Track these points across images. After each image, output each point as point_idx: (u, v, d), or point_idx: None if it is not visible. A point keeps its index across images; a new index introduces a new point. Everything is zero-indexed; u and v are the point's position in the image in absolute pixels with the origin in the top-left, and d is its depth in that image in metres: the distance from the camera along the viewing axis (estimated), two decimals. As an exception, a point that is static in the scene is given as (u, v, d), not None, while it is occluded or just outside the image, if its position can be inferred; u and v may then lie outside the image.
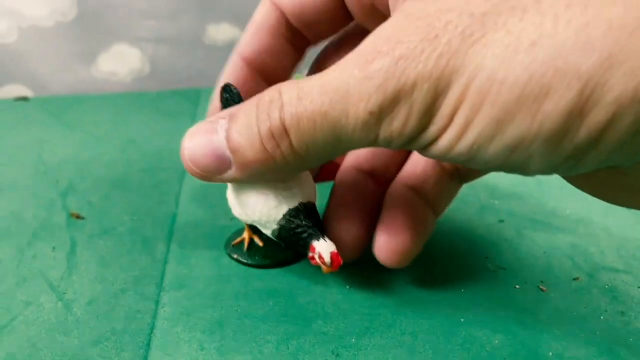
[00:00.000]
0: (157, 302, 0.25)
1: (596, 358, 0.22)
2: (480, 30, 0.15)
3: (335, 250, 0.22)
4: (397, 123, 0.17)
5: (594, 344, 0.23)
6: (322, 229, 0.23)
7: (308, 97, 0.18)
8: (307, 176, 0.25)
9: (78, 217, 0.32)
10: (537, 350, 0.22)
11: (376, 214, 0.25)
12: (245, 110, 0.21)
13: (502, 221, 0.32)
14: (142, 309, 0.25)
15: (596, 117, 0.14)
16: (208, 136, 0.21)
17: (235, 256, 0.28)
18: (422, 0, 0.17)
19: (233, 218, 0.32)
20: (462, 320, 0.24)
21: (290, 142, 0.19)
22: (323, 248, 0.22)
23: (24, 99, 0.55)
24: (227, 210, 0.33)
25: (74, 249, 0.29)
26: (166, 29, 0.55)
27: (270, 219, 0.24)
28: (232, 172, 0.21)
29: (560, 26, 0.14)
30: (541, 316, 0.24)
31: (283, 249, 0.28)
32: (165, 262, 0.28)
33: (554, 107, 0.14)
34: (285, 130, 0.19)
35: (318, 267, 0.23)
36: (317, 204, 0.24)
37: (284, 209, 0.23)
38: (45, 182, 0.37)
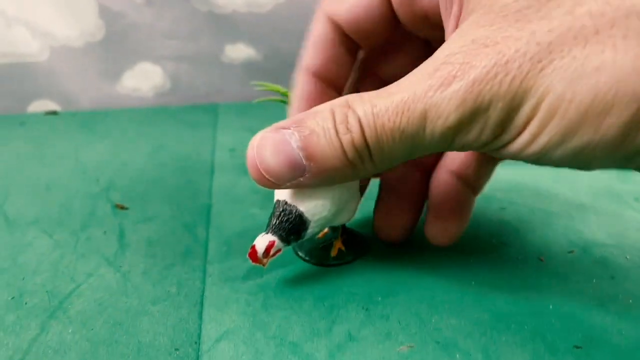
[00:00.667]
0: (204, 272, 0.29)
1: (589, 311, 0.25)
2: (548, 57, 0.17)
3: (254, 245, 0.25)
4: (473, 134, 0.20)
5: (587, 300, 0.26)
6: (280, 230, 0.25)
7: (385, 115, 0.20)
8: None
9: (122, 207, 0.36)
10: (538, 305, 0.26)
11: (422, 199, 0.30)
12: (319, 120, 0.22)
13: (503, 208, 0.36)
14: (192, 277, 0.28)
15: None
16: (280, 145, 0.22)
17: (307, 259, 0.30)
18: (483, 27, 0.19)
19: (262, 208, 0.36)
20: (472, 283, 0.28)
21: (371, 154, 0.21)
22: (257, 240, 0.25)
23: (54, 113, 0.59)
24: (255, 200, 0.37)
25: (123, 233, 0.33)
26: (186, 48, 0.60)
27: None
28: (304, 179, 0.23)
29: (619, 55, 0.17)
30: (541, 280, 0.28)
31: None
32: (207, 241, 0.32)
33: (615, 122, 0.17)
34: (366, 144, 0.21)
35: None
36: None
37: (276, 197, 0.26)
38: (87, 180, 0.40)
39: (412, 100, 0.20)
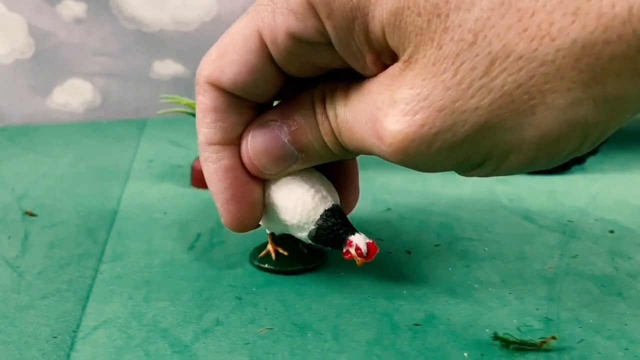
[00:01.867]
0: (96, 270, 0.31)
1: (438, 294, 0.29)
2: None
3: (370, 240, 0.26)
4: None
5: (439, 286, 0.29)
6: (352, 225, 0.26)
7: (344, 128, 0.23)
8: (330, 183, 0.28)
9: (31, 214, 0.38)
10: (394, 291, 0.29)
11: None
12: (303, 114, 0.24)
13: (389, 209, 0.39)
14: (84, 275, 0.30)
15: None
16: (271, 141, 0.25)
17: (265, 266, 0.31)
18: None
19: (167, 212, 0.38)
20: (342, 273, 0.30)
21: (344, 142, 0.24)
22: (360, 240, 0.25)
23: (-17, 128, 0.60)
24: (161, 206, 0.39)
25: (27, 237, 0.35)
26: (116, 65, 0.62)
27: (309, 220, 0.27)
28: (296, 165, 0.26)
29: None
30: (403, 270, 0.31)
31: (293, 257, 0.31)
32: (105, 244, 0.34)
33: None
34: (340, 132, 0.23)
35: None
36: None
37: (320, 210, 0.27)
38: (2, 190, 0.42)
39: (358, 133, 0.22)
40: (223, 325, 0.26)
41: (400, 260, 0.32)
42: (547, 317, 0.26)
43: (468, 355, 0.24)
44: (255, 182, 0.27)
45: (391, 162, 0.22)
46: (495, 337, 0.24)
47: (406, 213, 0.38)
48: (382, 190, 0.42)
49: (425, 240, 0.34)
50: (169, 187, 0.43)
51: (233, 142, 0.26)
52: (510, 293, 0.28)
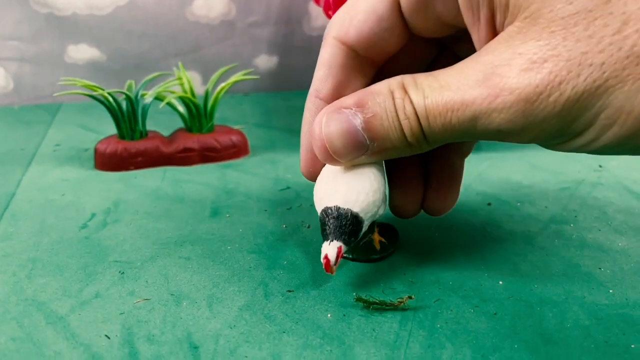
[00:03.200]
0: (-19, 250, 0.31)
1: (317, 263, 0.30)
2: (602, 77, 0.19)
3: (326, 254, 0.25)
4: (526, 138, 0.21)
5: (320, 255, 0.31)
6: (342, 234, 0.25)
7: (436, 110, 0.22)
8: (361, 187, 0.26)
9: None
10: (276, 262, 0.30)
11: (424, 172, 0.31)
12: (380, 102, 0.23)
13: (288, 187, 0.40)
14: (-32, 255, 0.30)
15: None
16: (345, 126, 0.24)
17: (350, 256, 0.30)
18: (531, 40, 0.20)
19: (65, 194, 0.38)
20: (228, 248, 0.32)
21: (426, 138, 0.23)
22: (325, 249, 0.25)
23: None
24: (61, 188, 0.39)
25: None
26: (28, 50, 0.61)
27: (318, 207, 0.27)
28: (365, 156, 0.25)
29: None
30: (290, 242, 0.32)
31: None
32: (-4, 225, 0.34)
33: None
34: (422, 130, 0.23)
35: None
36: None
37: (323, 204, 0.26)
38: None
39: (461, 103, 0.21)
40: (101, 297, 0.27)
41: (291, 233, 0.33)
42: (411, 281, 0.28)
43: (331, 315, 0.26)
44: None
45: (495, 131, 0.21)
46: (358, 298, 0.26)
47: (302, 191, 0.40)
48: (285, 170, 0.43)
49: (316, 215, 0.36)
50: (72, 170, 0.43)
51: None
52: (384, 261, 0.30)
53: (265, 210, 0.37)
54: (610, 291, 0.27)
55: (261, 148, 0.48)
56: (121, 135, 0.44)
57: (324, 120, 0.25)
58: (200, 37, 0.64)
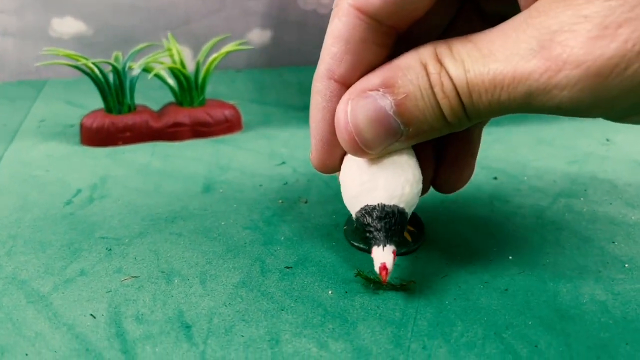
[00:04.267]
0: (-41, 227, 0.29)
1: (315, 239, 0.28)
2: None
3: (384, 263, 0.22)
4: (594, 114, 0.18)
5: (318, 230, 0.29)
6: (392, 235, 0.23)
7: (481, 86, 0.19)
8: (412, 181, 0.24)
9: None
10: (271, 238, 0.28)
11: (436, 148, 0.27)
12: (413, 79, 0.20)
13: (284, 163, 0.38)
14: (-56, 232, 0.29)
15: None
16: (375, 113, 0.21)
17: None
18: (598, 0, 0.16)
19: (49, 170, 0.36)
20: (222, 223, 0.30)
21: (468, 116, 0.20)
22: (376, 256, 0.23)
23: None
24: (42, 164, 0.37)
25: None
26: (11, 23, 0.58)
27: (351, 207, 0.24)
28: (397, 144, 0.22)
29: None
30: (287, 217, 0.31)
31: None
32: (-25, 201, 0.32)
33: None
34: (464, 108, 0.20)
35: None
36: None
37: (362, 202, 0.23)
38: None
39: (512, 78, 0.18)
40: (87, 275, 0.25)
41: (288, 209, 0.32)
42: (416, 256, 0.27)
43: (332, 292, 0.24)
44: None
45: (554, 108, 0.18)
46: (358, 274, 0.25)
47: (299, 166, 0.38)
48: (280, 145, 0.42)
49: (318, 190, 0.34)
50: (57, 146, 0.41)
51: (347, 83, 0.23)
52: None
53: (261, 186, 0.35)
54: (626, 265, 0.26)
55: (255, 123, 0.47)
56: (108, 109, 0.41)
57: (349, 108, 0.21)
58: (191, 9, 0.61)
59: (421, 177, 0.24)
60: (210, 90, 0.45)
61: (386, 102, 0.21)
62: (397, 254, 0.23)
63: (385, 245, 0.23)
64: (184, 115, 0.42)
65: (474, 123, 0.21)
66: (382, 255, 0.23)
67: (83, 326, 0.22)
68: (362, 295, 0.24)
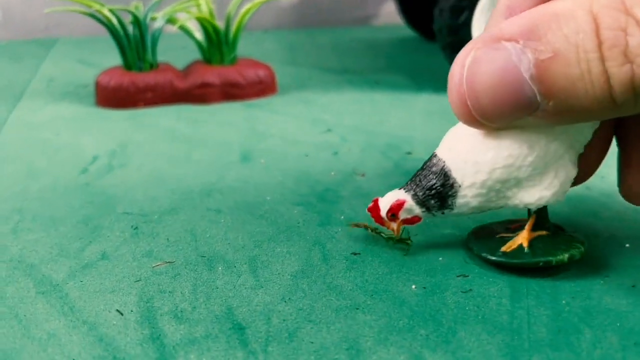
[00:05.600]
0: (-45, 198, 0.24)
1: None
2: None
3: (377, 199, 0.20)
4: None
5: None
6: (416, 187, 0.19)
7: None
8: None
9: None
10: (329, 220, 0.24)
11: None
12: (570, 33, 0.14)
13: (329, 130, 0.33)
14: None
15: None
16: (502, 73, 0.15)
17: (494, 259, 0.20)
18: None
19: (59, 133, 0.32)
20: (267, 198, 0.25)
21: None
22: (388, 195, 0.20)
23: None
24: (52, 126, 0.32)
25: None
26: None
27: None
28: (530, 119, 0.16)
29: None
30: (344, 193, 0.26)
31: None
32: (-25, 167, 0.27)
33: None
34: None
35: None
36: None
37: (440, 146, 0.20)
38: None
39: None
40: (109, 259, 0.20)
41: (342, 183, 0.27)
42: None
43: (416, 287, 0.19)
44: None
45: None
46: (355, 224, 0.20)
47: (348, 134, 0.33)
48: (322, 110, 0.37)
49: (375, 161, 0.29)
50: (68, 107, 0.36)
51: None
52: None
53: (307, 156, 0.30)
54: None
55: (290, 86, 0.41)
56: (127, 66, 0.36)
57: (469, 59, 0.16)
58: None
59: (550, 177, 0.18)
60: (236, 52, 0.39)
61: (524, 60, 0.15)
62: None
63: (400, 188, 0.20)
64: (212, 75, 0.37)
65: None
66: (387, 195, 0.20)
67: (108, 325, 0.17)
68: (454, 291, 0.19)
